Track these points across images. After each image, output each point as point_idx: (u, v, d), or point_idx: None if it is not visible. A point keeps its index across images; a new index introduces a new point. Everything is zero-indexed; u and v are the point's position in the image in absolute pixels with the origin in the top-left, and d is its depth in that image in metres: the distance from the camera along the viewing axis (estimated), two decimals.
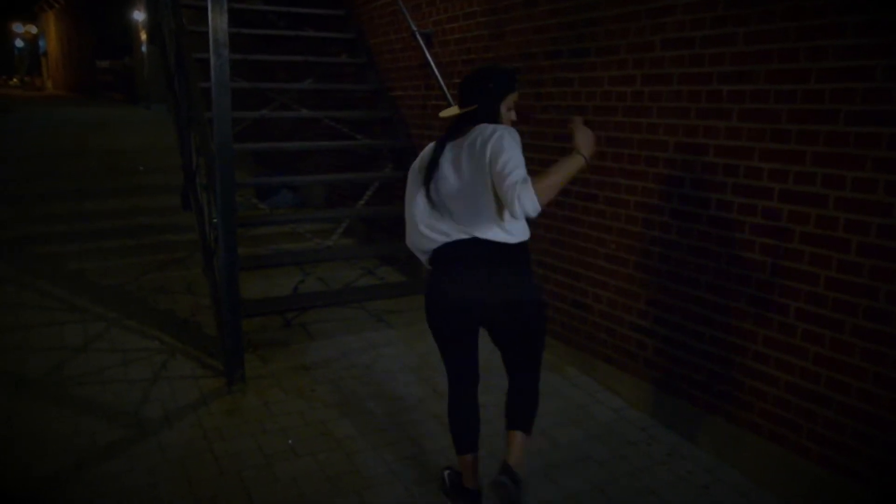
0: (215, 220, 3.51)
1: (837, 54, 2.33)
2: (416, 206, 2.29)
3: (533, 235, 3.78)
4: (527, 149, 2.10)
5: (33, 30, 37.33)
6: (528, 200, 2.00)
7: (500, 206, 2.13)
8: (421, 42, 4.56)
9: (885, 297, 2.27)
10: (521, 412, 2.39)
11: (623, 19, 3.14)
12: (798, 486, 2.60)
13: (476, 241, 2.20)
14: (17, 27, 37.93)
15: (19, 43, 39.89)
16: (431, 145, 2.33)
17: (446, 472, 2.61)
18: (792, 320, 2.57)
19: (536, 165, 3.23)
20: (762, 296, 2.67)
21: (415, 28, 4.60)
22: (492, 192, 2.13)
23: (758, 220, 2.65)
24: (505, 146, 2.09)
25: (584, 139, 2.16)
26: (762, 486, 2.70)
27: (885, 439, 2.32)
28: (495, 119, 2.26)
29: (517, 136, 2.18)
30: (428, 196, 2.24)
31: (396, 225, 5.48)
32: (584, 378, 3.58)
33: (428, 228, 2.26)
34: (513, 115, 2.33)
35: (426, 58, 4.52)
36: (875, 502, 2.35)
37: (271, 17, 5.93)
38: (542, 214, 3.74)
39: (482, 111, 2.25)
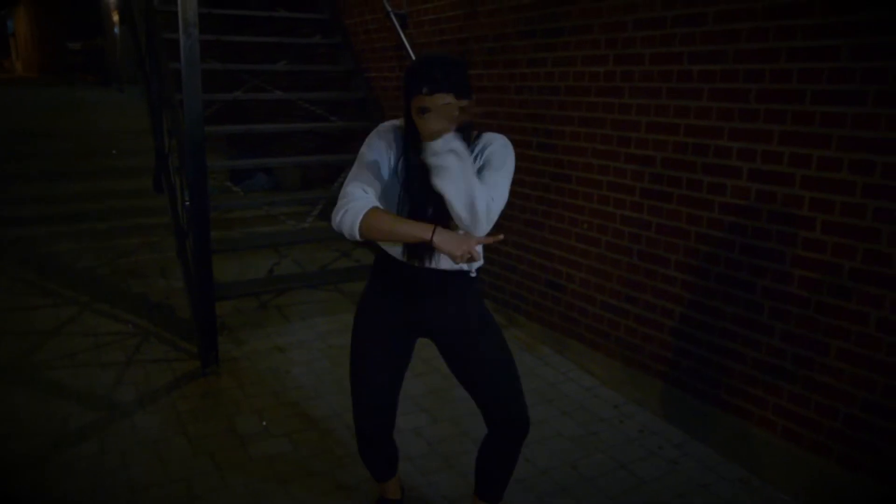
0: (188, 203, 3.48)
1: (805, 34, 2.35)
2: None
3: (507, 216, 3.83)
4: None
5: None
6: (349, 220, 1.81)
7: None
8: (395, 23, 4.53)
9: (847, 274, 2.31)
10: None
11: None
12: (764, 458, 2.65)
13: None
14: None
15: None
16: None
17: None
18: (759, 298, 2.61)
19: (517, 148, 3.21)
20: (730, 273, 2.71)
21: (389, 9, 4.57)
22: None
23: (727, 200, 2.68)
24: None
25: (453, 241, 1.77)
26: (730, 460, 2.76)
27: (846, 412, 2.37)
28: (407, 117, 1.84)
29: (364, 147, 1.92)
30: None
31: None
32: (557, 357, 3.61)
33: None
34: (431, 123, 1.72)
35: (401, 39, 4.49)
36: (838, 474, 2.41)
37: None
38: (516, 195, 3.74)
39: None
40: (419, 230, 1.78)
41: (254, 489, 2.55)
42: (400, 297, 2.01)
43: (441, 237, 1.77)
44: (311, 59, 5.81)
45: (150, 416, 3.03)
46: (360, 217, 1.79)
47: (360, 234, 1.80)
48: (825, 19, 2.29)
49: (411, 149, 1.86)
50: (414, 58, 4.37)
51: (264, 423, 2.99)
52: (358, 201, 1.81)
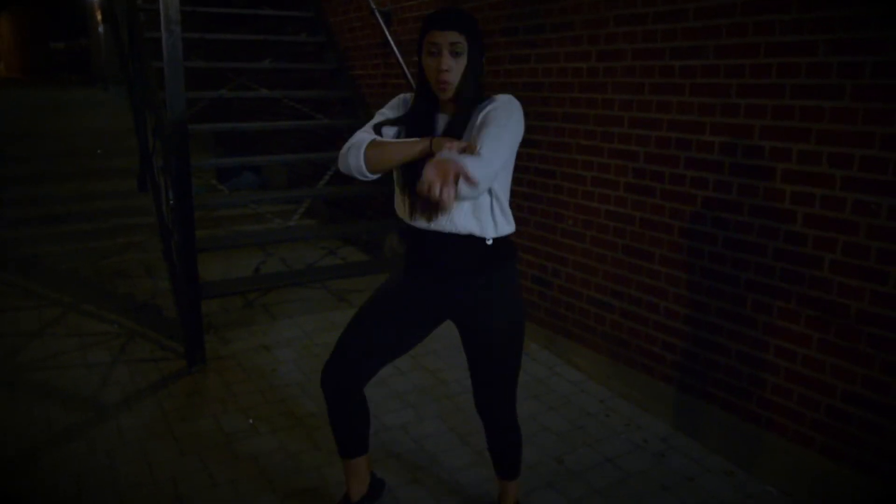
0: (173, 202, 3.48)
1: (783, 29, 2.38)
2: None
3: None
4: None
5: None
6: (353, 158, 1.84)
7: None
8: (380, 20, 4.53)
9: (828, 266, 2.34)
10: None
11: None
12: (748, 450, 2.68)
13: None
14: None
15: None
16: None
17: None
18: (742, 291, 2.63)
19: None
20: (713, 268, 2.73)
21: (374, 6, 4.57)
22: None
23: (709, 194, 2.70)
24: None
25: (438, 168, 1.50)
26: (715, 452, 2.78)
27: (828, 404, 2.40)
28: (420, 69, 1.88)
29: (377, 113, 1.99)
30: None
31: (358, 205, 5.48)
32: (544, 353, 3.63)
33: None
34: (439, 64, 1.79)
35: (385, 36, 4.50)
36: (822, 465, 2.44)
37: None
38: None
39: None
40: (417, 144, 1.78)
41: (241, 487, 2.55)
42: (424, 272, 2.01)
43: (437, 147, 1.71)
44: (296, 57, 5.80)
45: (137, 416, 3.02)
46: (363, 151, 1.82)
47: (368, 167, 1.83)
48: (801, 15, 2.31)
49: (420, 96, 1.91)
50: (399, 55, 4.38)
51: (251, 421, 2.99)
52: (358, 140, 1.85)
